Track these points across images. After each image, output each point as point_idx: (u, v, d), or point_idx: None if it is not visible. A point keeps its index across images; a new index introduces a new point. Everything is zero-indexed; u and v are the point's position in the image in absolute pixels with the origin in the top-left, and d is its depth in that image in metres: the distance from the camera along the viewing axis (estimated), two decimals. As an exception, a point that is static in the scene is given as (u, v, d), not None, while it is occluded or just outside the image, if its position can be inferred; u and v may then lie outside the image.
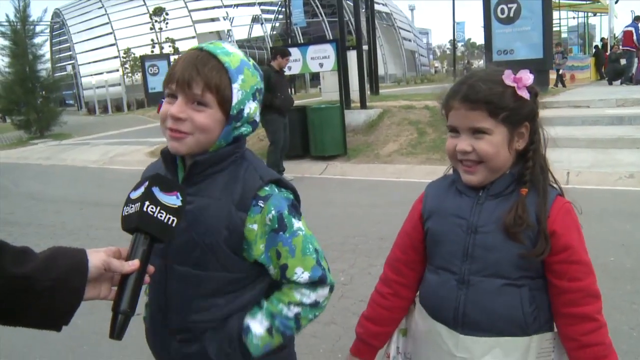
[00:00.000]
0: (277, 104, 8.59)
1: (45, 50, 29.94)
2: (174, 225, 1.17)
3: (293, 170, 9.47)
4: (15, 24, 21.29)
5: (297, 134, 10.20)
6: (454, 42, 46.86)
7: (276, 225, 1.35)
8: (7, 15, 21.69)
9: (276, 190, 1.39)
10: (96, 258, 1.08)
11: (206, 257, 1.36)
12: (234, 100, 1.32)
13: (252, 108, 1.37)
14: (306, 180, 9.10)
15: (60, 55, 54.30)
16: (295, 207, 1.41)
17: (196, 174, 1.37)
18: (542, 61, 13.37)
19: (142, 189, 1.17)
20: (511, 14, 13.53)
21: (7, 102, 20.79)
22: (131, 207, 1.16)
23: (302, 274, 1.37)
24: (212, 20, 52.10)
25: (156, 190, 1.17)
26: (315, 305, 1.40)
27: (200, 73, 1.29)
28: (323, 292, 1.41)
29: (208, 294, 1.39)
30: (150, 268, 1.16)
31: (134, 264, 1.11)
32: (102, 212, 7.79)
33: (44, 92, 22.23)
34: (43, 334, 3.65)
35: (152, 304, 1.50)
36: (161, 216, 1.15)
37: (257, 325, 1.38)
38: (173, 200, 1.18)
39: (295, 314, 1.39)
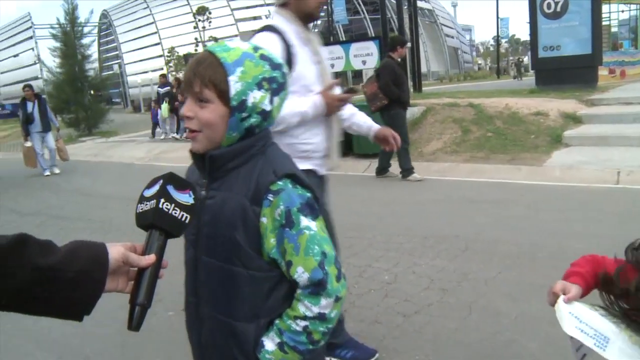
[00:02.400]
0: (404, 98, 8.35)
1: (93, 50, 30.75)
2: (187, 221, 1.20)
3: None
4: (65, 26, 21.89)
5: (339, 131, 10.20)
6: (497, 39, 46.14)
7: (284, 221, 1.37)
8: (57, 19, 22.37)
9: (289, 185, 1.40)
10: (115, 252, 1.12)
11: (227, 251, 1.42)
12: (232, 92, 1.36)
13: (257, 97, 1.38)
14: (349, 178, 9.06)
15: (108, 55, 55.66)
16: (309, 206, 1.41)
17: (216, 169, 1.43)
18: (591, 57, 13.03)
19: (156, 187, 1.21)
20: (558, 9, 13.22)
21: (58, 101, 21.33)
22: (146, 205, 1.20)
23: (302, 274, 1.38)
24: (254, 18, 52.49)
25: (170, 188, 1.20)
26: (321, 318, 1.39)
27: (196, 72, 1.37)
28: (326, 302, 1.39)
29: (228, 290, 1.44)
30: (165, 262, 1.19)
31: (151, 258, 1.15)
32: (148, 209, 7.93)
33: (92, 91, 22.83)
34: (94, 331, 3.73)
35: (188, 290, 1.57)
36: (175, 213, 1.18)
37: (269, 343, 1.43)
38: (186, 197, 1.21)
39: (303, 327, 1.40)
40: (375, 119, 3.67)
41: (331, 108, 2.77)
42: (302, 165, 2.78)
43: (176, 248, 1.48)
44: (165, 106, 17.24)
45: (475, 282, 4.22)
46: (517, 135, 9.72)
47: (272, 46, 2.56)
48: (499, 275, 4.31)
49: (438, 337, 3.40)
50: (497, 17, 43.91)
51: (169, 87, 17.71)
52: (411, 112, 11.50)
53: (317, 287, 1.38)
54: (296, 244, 1.37)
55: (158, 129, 18.27)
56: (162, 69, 43.52)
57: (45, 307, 1.05)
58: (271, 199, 1.37)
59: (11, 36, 57.25)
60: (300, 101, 2.68)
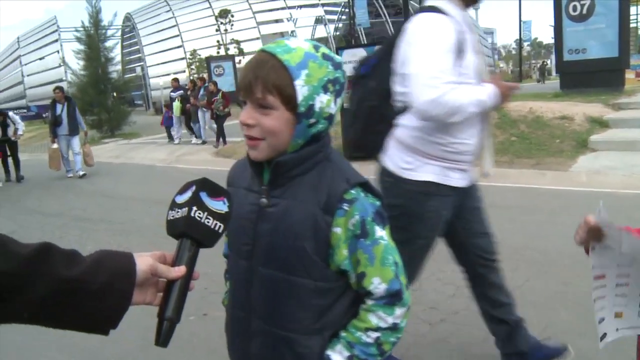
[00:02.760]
0: None
1: (117, 53, 31.09)
2: (220, 231, 1.13)
3: (361, 171, 9.38)
4: (89, 29, 22.18)
5: (361, 135, 10.09)
6: (520, 42, 45.55)
7: (358, 231, 1.31)
8: (82, 22, 22.71)
9: (362, 194, 1.34)
10: (143, 262, 1.06)
11: (291, 261, 1.34)
12: (299, 97, 1.26)
13: (323, 101, 1.29)
14: (372, 182, 9.00)
15: (130, 58, 56.26)
16: (380, 215, 1.35)
17: (280, 176, 1.35)
18: (618, 60, 12.80)
19: (189, 194, 1.13)
20: (584, 11, 13.02)
21: (81, 103, 21.56)
22: (177, 212, 1.12)
23: (379, 285, 1.33)
24: (276, 21, 52.82)
25: (203, 195, 1.12)
26: (394, 328, 1.36)
27: (258, 76, 1.26)
28: (400, 312, 1.36)
29: (291, 302, 1.36)
30: (196, 274, 1.13)
31: (181, 269, 1.08)
32: (169, 211, 7.95)
33: (114, 93, 23.08)
34: (115, 335, 3.74)
35: (235, 303, 1.49)
36: (208, 222, 1.11)
37: (336, 356, 1.36)
38: (220, 205, 1.13)
39: (374, 339, 1.35)
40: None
41: (505, 98, 2.44)
42: (442, 178, 2.50)
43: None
44: (177, 105, 16.89)
45: (501, 290, 4.12)
46: (541, 140, 9.56)
47: (445, 29, 2.32)
48: (526, 284, 4.21)
49: (465, 347, 3.31)
50: (520, 20, 43.46)
51: (181, 91, 17.43)
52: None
53: (393, 298, 1.34)
54: (371, 255, 1.32)
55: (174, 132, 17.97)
56: (184, 71, 43.92)
57: (69, 320, 1.00)
58: (346, 208, 1.31)
59: (38, 39, 58.18)
60: (475, 89, 2.37)
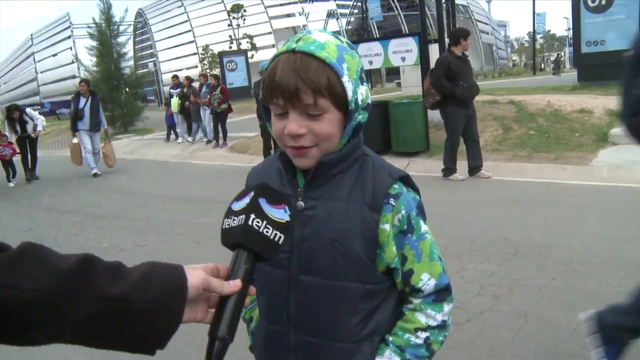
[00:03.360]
0: (459, 94, 7.89)
1: (129, 48, 31.10)
2: (280, 242, 1.01)
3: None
4: (100, 25, 22.20)
5: (378, 129, 9.96)
6: (533, 35, 45.12)
7: (405, 227, 1.24)
8: (93, 18, 22.73)
9: (404, 188, 1.28)
10: (195, 277, 0.96)
11: (338, 266, 1.23)
12: (350, 95, 1.17)
13: (363, 93, 1.22)
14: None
15: (143, 53, 56.44)
16: (421, 209, 1.30)
17: (320, 176, 1.25)
18: (638, 52, 12.56)
19: (247, 200, 1.02)
20: (603, 2, 12.80)
21: (94, 99, 21.62)
22: (234, 220, 1.01)
23: (428, 281, 1.27)
24: (288, 15, 52.78)
25: (263, 202, 1.02)
26: (443, 326, 1.29)
27: (305, 80, 1.14)
28: (448, 308, 1.30)
29: (338, 310, 1.27)
30: (252, 289, 1.02)
31: (236, 284, 0.97)
32: (185, 207, 7.91)
33: (127, 89, 23.09)
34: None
35: (268, 318, 1.37)
36: (267, 232, 1.00)
37: None
38: (281, 214, 1.02)
39: (424, 339, 1.27)
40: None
41: None
42: None
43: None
44: (175, 101, 16.34)
45: (528, 289, 4.00)
46: (560, 134, 9.39)
47: None
48: (553, 282, 4.09)
49: (493, 349, 3.20)
50: (534, 13, 43.00)
51: (180, 88, 16.84)
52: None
53: (442, 293, 1.29)
54: (418, 251, 1.26)
55: (178, 130, 17.19)
56: (196, 66, 43.95)
57: (114, 341, 0.91)
58: (393, 203, 1.24)
59: (51, 36, 58.50)
60: None
